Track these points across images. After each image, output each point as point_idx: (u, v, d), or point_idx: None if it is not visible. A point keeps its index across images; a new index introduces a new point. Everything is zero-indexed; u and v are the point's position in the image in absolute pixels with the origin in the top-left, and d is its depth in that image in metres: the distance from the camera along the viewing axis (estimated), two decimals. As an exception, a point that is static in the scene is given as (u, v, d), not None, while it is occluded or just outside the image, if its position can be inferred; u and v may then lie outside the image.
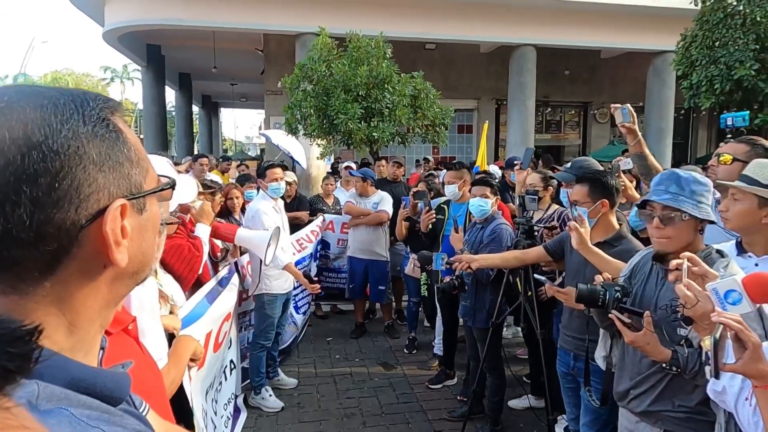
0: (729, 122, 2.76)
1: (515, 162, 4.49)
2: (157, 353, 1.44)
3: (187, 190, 2.62)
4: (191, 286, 2.68)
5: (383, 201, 5.23)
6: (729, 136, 2.76)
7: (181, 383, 1.65)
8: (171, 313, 2.15)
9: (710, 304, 1.30)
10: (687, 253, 1.46)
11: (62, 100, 0.54)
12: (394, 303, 5.77)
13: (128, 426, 0.53)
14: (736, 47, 8.08)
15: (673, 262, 1.45)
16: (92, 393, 0.52)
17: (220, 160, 9.30)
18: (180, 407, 1.66)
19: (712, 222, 1.81)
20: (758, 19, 7.93)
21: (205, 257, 2.84)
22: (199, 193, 3.33)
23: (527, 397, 3.96)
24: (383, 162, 6.23)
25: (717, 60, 8.28)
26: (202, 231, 2.83)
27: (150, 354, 1.11)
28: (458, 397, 4.05)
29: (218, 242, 3.45)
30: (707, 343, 1.19)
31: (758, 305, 1.29)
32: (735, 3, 8.35)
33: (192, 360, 1.71)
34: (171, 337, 1.87)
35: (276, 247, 3.07)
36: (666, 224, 1.76)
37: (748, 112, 2.87)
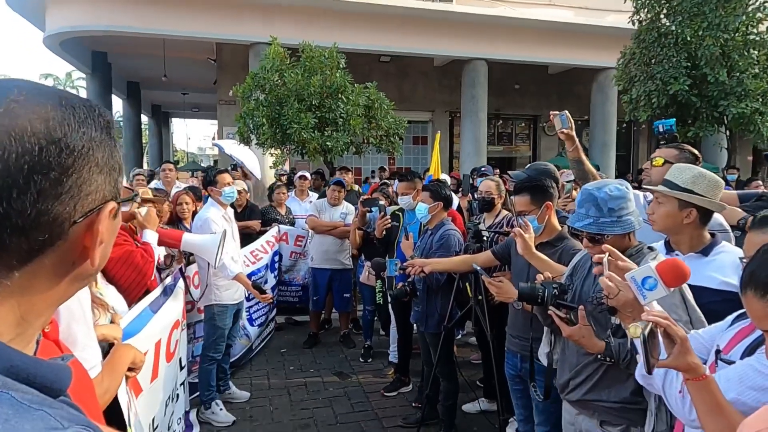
0: (660, 129, 2.95)
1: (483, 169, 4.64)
2: (91, 361, 1.38)
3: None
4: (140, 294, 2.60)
5: (352, 212, 5.21)
6: (662, 142, 2.94)
7: (116, 395, 1.59)
8: (112, 322, 2.06)
9: (630, 293, 1.38)
10: (607, 246, 1.55)
11: (77, 102, 0.58)
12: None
13: (72, 415, 0.51)
14: (670, 64, 8.59)
15: (596, 257, 1.54)
16: (32, 383, 0.51)
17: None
18: (114, 418, 1.59)
19: (633, 230, 1.89)
20: (688, 38, 8.48)
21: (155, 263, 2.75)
22: (146, 200, 3.24)
23: (480, 401, 4.03)
24: (347, 172, 6.26)
25: (653, 76, 8.77)
26: (151, 237, 2.75)
27: (77, 358, 1.06)
28: (413, 404, 4.06)
29: (161, 250, 3.35)
30: (632, 331, 1.26)
31: (672, 289, 1.37)
32: (668, 23, 8.90)
33: (131, 369, 1.65)
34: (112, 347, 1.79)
35: (221, 252, 3.01)
36: (595, 244, 1.87)
37: (674, 119, 3.09)
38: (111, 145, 0.60)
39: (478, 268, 2.82)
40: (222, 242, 3.06)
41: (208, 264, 3.43)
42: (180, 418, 3.28)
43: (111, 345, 1.82)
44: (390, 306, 4.56)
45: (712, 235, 2.04)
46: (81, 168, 0.55)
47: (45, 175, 0.52)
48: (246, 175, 7.22)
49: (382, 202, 4.42)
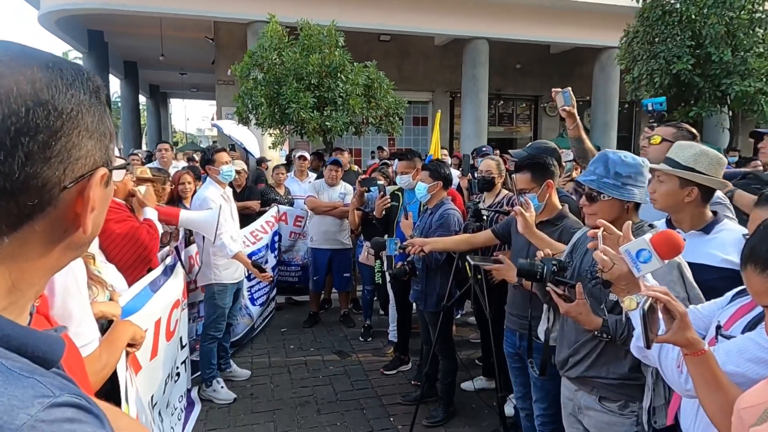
0: (649, 107, 2.93)
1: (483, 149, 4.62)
2: (87, 336, 1.38)
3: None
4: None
5: (350, 192, 5.20)
6: (652, 120, 2.92)
7: (115, 371, 1.59)
8: (111, 300, 2.06)
9: (625, 266, 1.38)
10: (602, 221, 1.54)
11: (65, 65, 0.56)
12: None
13: (64, 384, 0.51)
14: (674, 43, 8.47)
15: (590, 232, 1.53)
16: (23, 353, 0.51)
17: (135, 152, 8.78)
18: (113, 393, 1.60)
19: (633, 201, 1.86)
20: (693, 16, 8.35)
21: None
22: (146, 180, 3.22)
23: (479, 379, 4.07)
24: (342, 153, 6.23)
25: (657, 55, 8.66)
26: (151, 214, 2.75)
27: (67, 333, 1.06)
28: (412, 382, 4.10)
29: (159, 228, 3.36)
30: (626, 304, 1.26)
31: (666, 261, 1.37)
32: (672, 0, 8.75)
33: (131, 345, 1.65)
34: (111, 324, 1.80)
35: (218, 226, 3.00)
36: (591, 202, 1.87)
37: (665, 97, 3.07)
38: (101, 111, 0.59)
39: (474, 262, 2.83)
40: (219, 218, 3.05)
41: (204, 239, 3.42)
42: (182, 396, 3.32)
43: (110, 323, 1.82)
44: (389, 285, 4.58)
45: (714, 212, 2.02)
46: (70, 131, 0.54)
47: (33, 137, 0.51)
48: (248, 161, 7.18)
49: (381, 182, 4.40)
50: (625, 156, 1.87)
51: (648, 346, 1.26)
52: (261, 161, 8.12)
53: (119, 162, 0.66)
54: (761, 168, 3.67)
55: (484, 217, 3.24)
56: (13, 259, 0.54)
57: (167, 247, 3.34)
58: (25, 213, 0.52)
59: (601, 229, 1.51)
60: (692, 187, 1.95)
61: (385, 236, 3.90)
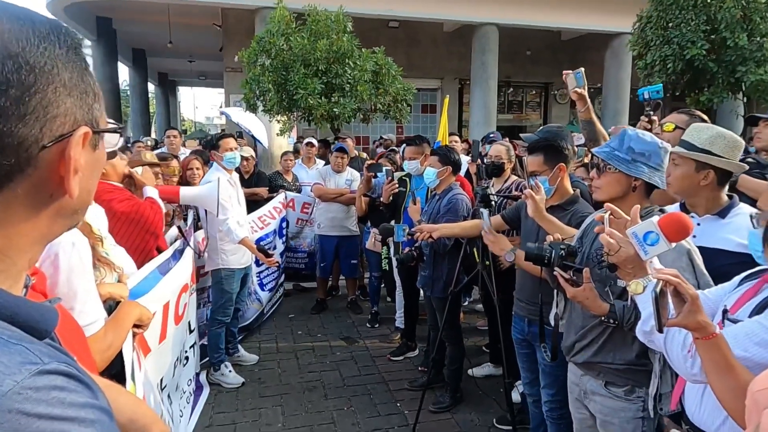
0: (646, 95, 2.88)
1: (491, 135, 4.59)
2: (91, 315, 1.38)
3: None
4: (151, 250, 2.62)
5: (357, 179, 5.18)
6: (648, 108, 2.86)
7: (121, 352, 1.59)
8: (119, 281, 2.07)
9: (632, 249, 1.35)
10: (609, 205, 1.52)
11: (38, 18, 0.54)
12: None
13: (54, 352, 0.49)
14: (688, 28, 8.29)
15: (597, 215, 1.51)
16: (14, 322, 0.49)
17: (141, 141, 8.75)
18: (118, 373, 1.60)
19: (640, 178, 1.82)
20: (709, 0, 8.16)
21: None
22: (152, 164, 3.22)
23: (486, 366, 4.06)
24: (345, 139, 6.20)
25: (670, 40, 8.48)
26: (152, 192, 2.75)
27: (66, 311, 1.05)
28: (419, 368, 4.11)
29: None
30: (633, 287, 1.23)
31: (674, 244, 1.33)
32: (688, -16, 8.55)
33: (137, 326, 1.65)
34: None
35: (218, 198, 2.99)
36: (598, 173, 1.85)
37: (661, 85, 3.01)
38: (81, 67, 0.56)
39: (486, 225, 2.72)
40: (219, 190, 3.04)
41: (207, 221, 3.41)
42: (190, 380, 3.34)
43: (118, 304, 1.82)
44: (396, 272, 4.57)
45: (730, 196, 1.98)
46: (44, 87, 0.51)
47: (4, 92, 0.49)
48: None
49: (388, 167, 4.38)
50: (643, 134, 1.83)
51: (660, 330, 1.23)
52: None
53: (110, 126, 0.63)
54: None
55: (493, 203, 3.20)
56: None
57: (174, 228, 3.34)
58: (2, 173, 0.50)
59: (608, 212, 1.48)
60: (708, 170, 1.90)
61: (392, 222, 3.89)
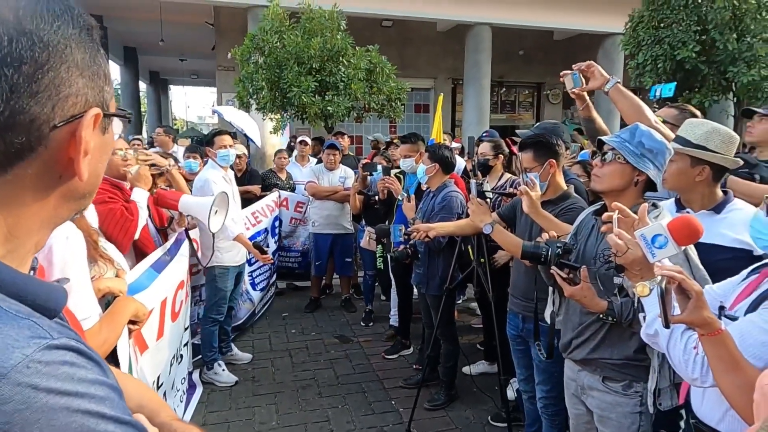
0: (657, 93, 2.89)
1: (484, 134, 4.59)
2: (85, 310, 1.36)
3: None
4: (128, 251, 2.58)
5: (351, 176, 5.16)
6: (656, 106, 2.88)
7: (115, 348, 1.57)
8: (117, 277, 2.04)
9: (639, 251, 1.34)
10: (617, 204, 1.51)
11: None
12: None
13: (63, 328, 0.48)
14: (680, 28, 8.35)
15: (605, 215, 1.50)
16: (23, 300, 0.48)
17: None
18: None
19: (645, 174, 1.82)
20: (699, 0, 8.23)
21: (143, 222, 2.71)
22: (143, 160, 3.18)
23: (481, 363, 4.06)
24: (342, 136, 6.19)
25: (662, 40, 8.54)
26: (139, 195, 2.71)
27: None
28: (414, 366, 4.10)
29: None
30: (639, 289, 1.22)
31: (683, 247, 1.33)
32: (679, -16, 8.61)
33: (133, 322, 1.63)
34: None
35: (226, 216, 2.96)
36: (604, 163, 1.84)
37: (675, 83, 3.04)
38: (93, 48, 0.56)
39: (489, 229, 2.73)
40: (222, 205, 3.01)
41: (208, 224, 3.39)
42: (184, 378, 3.32)
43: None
44: (390, 270, 4.56)
45: (725, 192, 1.99)
46: (57, 66, 0.51)
47: (17, 68, 0.48)
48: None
49: (384, 165, 4.38)
50: (654, 132, 1.83)
51: (667, 326, 1.23)
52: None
53: (120, 111, 0.62)
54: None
55: (488, 200, 3.21)
56: (6, 203, 0.52)
57: (173, 230, 3.30)
58: (12, 151, 0.50)
59: (616, 212, 1.47)
60: (703, 166, 1.91)
61: (387, 222, 3.88)
